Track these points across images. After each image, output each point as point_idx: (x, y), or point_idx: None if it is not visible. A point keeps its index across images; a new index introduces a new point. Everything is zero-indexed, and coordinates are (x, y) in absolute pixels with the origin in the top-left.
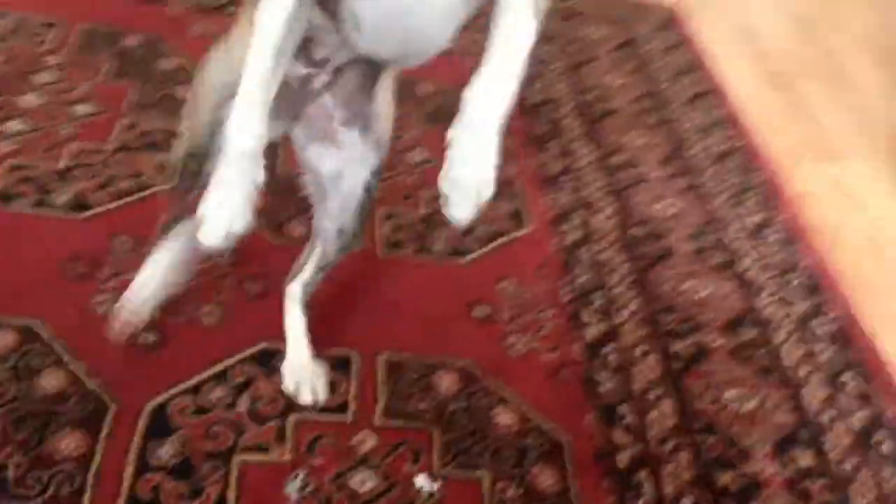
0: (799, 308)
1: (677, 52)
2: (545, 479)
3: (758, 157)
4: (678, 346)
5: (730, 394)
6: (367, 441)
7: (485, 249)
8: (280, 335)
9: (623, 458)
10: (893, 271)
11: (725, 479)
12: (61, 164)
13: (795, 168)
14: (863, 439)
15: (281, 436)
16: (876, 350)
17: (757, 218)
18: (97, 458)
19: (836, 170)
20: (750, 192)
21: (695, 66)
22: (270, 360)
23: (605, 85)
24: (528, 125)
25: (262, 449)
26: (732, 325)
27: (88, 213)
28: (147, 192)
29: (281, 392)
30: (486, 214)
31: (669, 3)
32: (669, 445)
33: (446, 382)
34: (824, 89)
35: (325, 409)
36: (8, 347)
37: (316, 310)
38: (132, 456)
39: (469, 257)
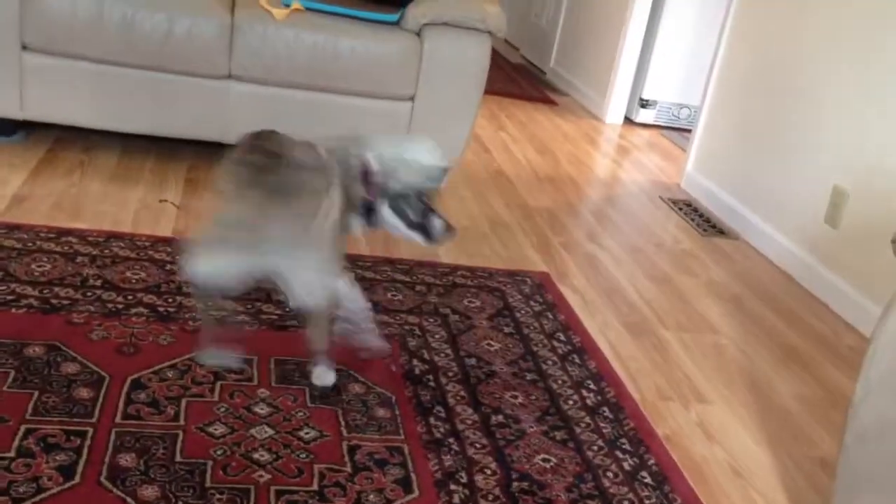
0: None
1: (549, 315)
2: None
3: (628, 403)
4: None
5: None
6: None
7: None
8: None
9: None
10: None
11: None
12: None
13: (663, 411)
14: None
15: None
16: None
17: (629, 463)
18: None
19: (700, 410)
20: (623, 439)
21: (566, 326)
22: None
23: (483, 350)
24: (414, 393)
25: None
26: None
27: None
28: (45, 495)
29: None
30: (377, 483)
31: (540, 270)
32: None
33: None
34: (683, 335)
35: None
36: None
37: None
38: None
39: None
